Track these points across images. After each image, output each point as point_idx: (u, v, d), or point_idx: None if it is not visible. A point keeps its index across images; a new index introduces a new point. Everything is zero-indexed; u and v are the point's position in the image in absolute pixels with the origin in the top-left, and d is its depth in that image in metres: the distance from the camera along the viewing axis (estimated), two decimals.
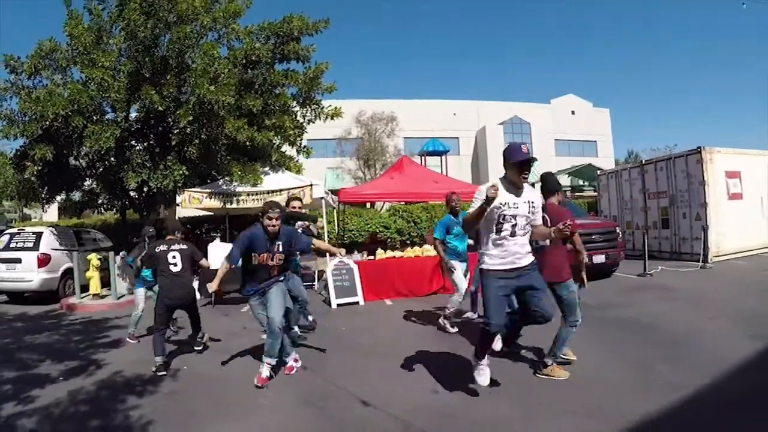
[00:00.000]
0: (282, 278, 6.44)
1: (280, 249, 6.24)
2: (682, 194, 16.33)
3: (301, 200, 8.23)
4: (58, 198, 17.31)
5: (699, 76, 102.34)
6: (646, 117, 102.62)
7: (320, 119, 15.91)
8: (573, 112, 51.86)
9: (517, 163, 4.91)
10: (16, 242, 14.02)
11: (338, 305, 10.95)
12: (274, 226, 6.12)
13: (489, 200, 4.51)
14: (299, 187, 13.19)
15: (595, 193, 23.46)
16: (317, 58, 15.35)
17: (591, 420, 4.55)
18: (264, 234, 6.17)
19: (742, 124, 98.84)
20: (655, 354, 6.35)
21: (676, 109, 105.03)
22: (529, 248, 5.10)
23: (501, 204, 4.85)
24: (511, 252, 4.96)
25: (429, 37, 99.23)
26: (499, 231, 4.95)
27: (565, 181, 39.07)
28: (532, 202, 5.05)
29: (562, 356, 6.00)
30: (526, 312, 5.24)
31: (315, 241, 7.14)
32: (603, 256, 12.55)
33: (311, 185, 13.22)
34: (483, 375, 5.21)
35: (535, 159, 4.96)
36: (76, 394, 6.00)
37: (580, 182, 35.53)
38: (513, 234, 4.95)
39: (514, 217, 4.92)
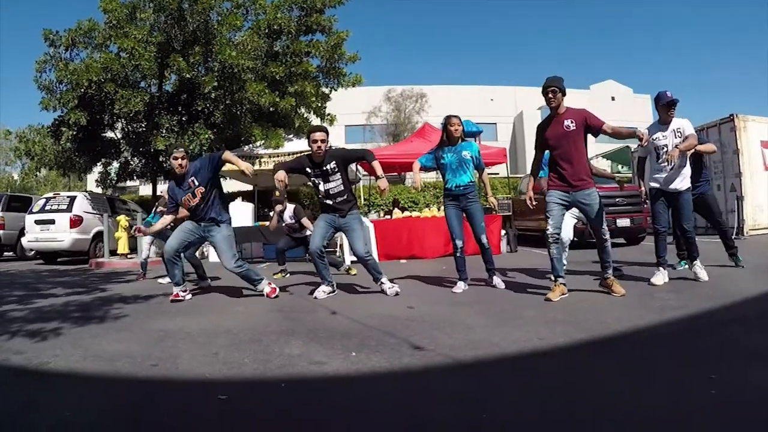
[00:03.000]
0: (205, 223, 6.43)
1: (196, 183, 6.25)
2: (715, 165, 15.78)
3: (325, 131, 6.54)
4: (95, 169, 17.84)
5: (745, 57, 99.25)
6: (689, 102, 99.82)
7: (343, 87, 16.00)
8: (613, 98, 50.74)
9: (665, 105, 6.38)
10: (51, 205, 14.68)
11: (351, 263, 10.86)
12: (181, 166, 6.26)
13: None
14: None
15: (630, 174, 23.10)
16: (342, 30, 15.53)
17: (565, 325, 4.36)
18: (173, 181, 6.44)
19: None
20: (663, 288, 6.20)
21: (720, 93, 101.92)
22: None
23: (654, 137, 6.39)
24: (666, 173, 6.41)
25: (465, 24, 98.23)
26: (658, 157, 6.48)
27: (602, 164, 38.59)
28: (678, 129, 6.37)
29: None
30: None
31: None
32: (628, 220, 12.35)
33: (331, 147, 13.10)
34: (660, 276, 6.38)
35: (677, 101, 6.38)
36: (71, 303, 6.44)
37: (618, 166, 34.96)
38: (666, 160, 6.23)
39: (665, 146, 6.38)
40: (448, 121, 6.70)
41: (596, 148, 42.92)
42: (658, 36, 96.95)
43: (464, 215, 6.69)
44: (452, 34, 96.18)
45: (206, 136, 13.81)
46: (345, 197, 6.44)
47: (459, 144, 6.67)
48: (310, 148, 6.37)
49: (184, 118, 15.13)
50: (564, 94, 5.67)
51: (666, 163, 6.25)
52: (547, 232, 5.61)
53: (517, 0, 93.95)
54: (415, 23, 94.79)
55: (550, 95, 5.61)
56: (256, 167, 13.56)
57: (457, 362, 3.45)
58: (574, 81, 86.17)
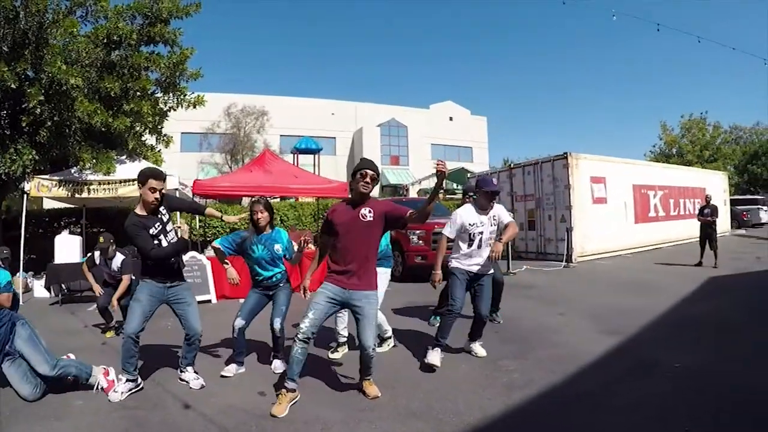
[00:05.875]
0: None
1: None
2: (548, 197, 16.94)
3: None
4: None
5: (577, 88, 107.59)
6: (523, 127, 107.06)
7: (182, 107, 15.09)
8: (451, 119, 53.03)
9: (488, 193, 6.16)
10: None
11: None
12: None
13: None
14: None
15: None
16: (186, 43, 14.57)
17: (418, 421, 4.38)
18: None
19: (615, 137, 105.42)
20: (504, 351, 6.44)
21: (552, 120, 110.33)
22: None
23: (471, 224, 6.13)
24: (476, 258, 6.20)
25: (309, 36, 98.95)
26: (470, 244, 6.17)
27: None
28: (495, 216, 6.21)
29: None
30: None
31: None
32: None
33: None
34: (436, 355, 5.93)
35: (499, 191, 6.41)
36: None
37: (453, 185, 36.24)
38: (480, 246, 6.15)
39: (481, 233, 6.13)
40: (252, 208, 6.02)
41: (433, 166, 44.28)
42: (496, 62, 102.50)
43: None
44: (295, 46, 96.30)
45: (30, 156, 12.35)
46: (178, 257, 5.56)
47: (268, 234, 6.02)
48: (141, 195, 5.23)
49: (6, 132, 13.58)
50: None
51: (484, 256, 6.14)
52: (300, 329, 4.73)
53: (361, 18, 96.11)
54: (258, 31, 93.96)
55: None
56: (85, 195, 12.61)
57: None
58: (414, 100, 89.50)
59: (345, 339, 6.57)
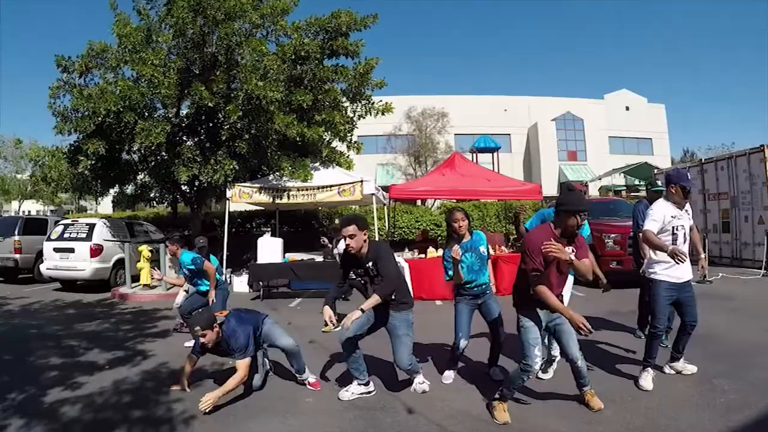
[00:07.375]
0: None
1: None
2: (744, 196, 15.46)
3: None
4: (112, 191, 17.62)
5: (758, 71, 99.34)
6: (703, 114, 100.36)
7: (371, 115, 15.72)
8: (627, 108, 50.33)
9: (685, 190, 5.74)
10: (70, 233, 14.54)
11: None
12: None
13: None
14: (350, 183, 13.19)
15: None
16: (366, 52, 15.13)
17: None
18: None
19: None
20: (716, 368, 6.03)
21: (735, 106, 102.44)
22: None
23: (673, 215, 5.69)
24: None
25: (479, 32, 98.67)
26: (674, 240, 5.69)
27: (619, 180, 38.28)
28: (687, 210, 5.89)
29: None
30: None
31: None
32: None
33: (362, 181, 13.05)
34: (648, 378, 5.58)
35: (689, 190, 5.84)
36: (120, 384, 6.04)
37: (636, 181, 34.63)
38: (684, 242, 5.77)
39: (682, 227, 5.75)
40: (451, 216, 6.01)
41: (614, 161, 42.71)
42: (675, 45, 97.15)
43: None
44: (465, 43, 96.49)
45: (231, 166, 13.53)
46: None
47: (470, 240, 5.96)
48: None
49: (207, 145, 14.84)
50: None
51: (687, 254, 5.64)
52: (533, 368, 4.71)
53: (529, 10, 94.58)
54: (428, 32, 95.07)
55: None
56: (285, 201, 13.66)
57: None
58: (587, 91, 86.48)
59: (555, 357, 6.25)
